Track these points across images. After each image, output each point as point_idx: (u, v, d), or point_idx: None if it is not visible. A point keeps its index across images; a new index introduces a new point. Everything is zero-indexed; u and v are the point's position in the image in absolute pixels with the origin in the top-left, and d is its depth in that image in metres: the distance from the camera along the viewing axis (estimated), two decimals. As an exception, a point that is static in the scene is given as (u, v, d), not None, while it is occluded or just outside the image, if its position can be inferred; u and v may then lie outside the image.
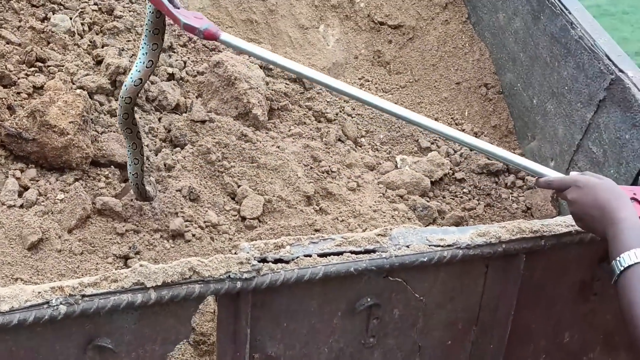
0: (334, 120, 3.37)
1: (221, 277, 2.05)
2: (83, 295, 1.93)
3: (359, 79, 3.61)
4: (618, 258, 1.81)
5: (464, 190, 3.32)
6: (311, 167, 3.15)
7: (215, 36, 2.27)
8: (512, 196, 3.30)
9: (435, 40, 3.77)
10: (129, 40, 3.35)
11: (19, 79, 3.01)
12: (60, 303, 1.92)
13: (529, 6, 3.40)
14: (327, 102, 3.38)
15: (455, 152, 3.41)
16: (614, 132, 2.98)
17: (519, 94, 3.49)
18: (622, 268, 1.80)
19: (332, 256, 2.16)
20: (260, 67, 3.33)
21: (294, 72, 2.34)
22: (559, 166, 3.22)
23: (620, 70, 2.98)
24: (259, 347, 2.20)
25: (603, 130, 3.04)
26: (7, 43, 3.11)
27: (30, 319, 1.89)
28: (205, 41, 3.44)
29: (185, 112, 3.15)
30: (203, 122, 3.11)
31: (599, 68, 3.05)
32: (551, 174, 2.21)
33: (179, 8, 2.35)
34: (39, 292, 1.91)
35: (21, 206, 2.73)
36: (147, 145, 2.98)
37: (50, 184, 2.79)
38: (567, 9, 3.22)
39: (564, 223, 2.37)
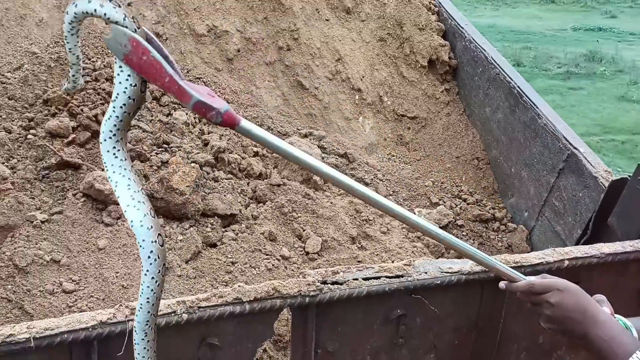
0: (370, 183, 3.38)
1: (295, 294, 2.05)
2: (199, 307, 1.94)
3: (387, 154, 3.63)
4: None
5: (463, 233, 3.30)
6: (354, 217, 3.15)
7: (236, 122, 1.38)
8: (497, 237, 3.28)
9: (441, 127, 3.79)
10: (226, 129, 3.39)
11: (151, 156, 3.06)
12: (183, 312, 1.93)
13: (507, 102, 3.42)
14: (365, 171, 3.40)
15: (457, 205, 3.40)
16: (571, 191, 2.97)
17: (501, 165, 3.50)
18: None
19: (372, 280, 2.16)
20: (318, 146, 3.35)
21: (302, 163, 1.49)
22: (532, 215, 3.20)
23: (575, 147, 2.98)
24: (321, 345, 2.19)
25: (563, 190, 3.02)
26: (143, 131, 3.17)
27: (162, 323, 1.90)
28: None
29: (266, 179, 3.17)
30: (278, 185, 3.14)
31: (558, 146, 3.05)
32: (519, 276, 1.79)
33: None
34: (169, 305, 1.93)
35: (153, 244, 2.76)
36: (239, 202, 3.01)
37: (172, 229, 2.82)
38: (535, 105, 3.23)
39: (537, 256, 2.36)
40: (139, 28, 1.34)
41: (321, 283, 2.09)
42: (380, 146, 3.64)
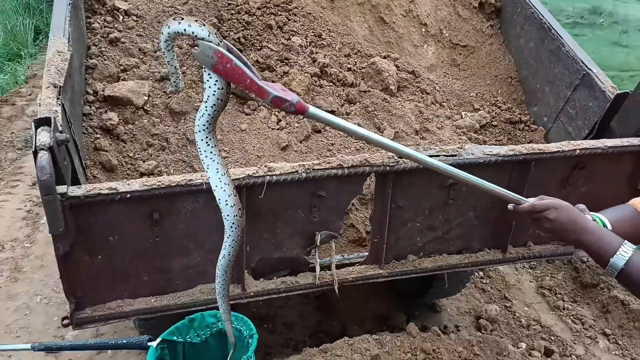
0: (430, 93, 3.27)
1: (379, 164, 2.06)
2: (313, 169, 1.98)
3: (443, 73, 3.47)
4: (615, 258, 1.46)
5: (497, 131, 3.19)
6: (418, 116, 3.09)
7: (305, 109, 1.32)
8: (522, 135, 3.15)
9: (485, 54, 3.58)
10: (328, 52, 3.30)
11: (276, 68, 3.01)
12: (302, 172, 1.97)
13: (538, 35, 3.20)
14: (427, 84, 3.28)
15: (493, 111, 3.27)
16: (583, 102, 2.82)
17: (529, 82, 3.31)
18: (623, 265, 1.44)
19: (434, 157, 2.13)
20: (394, 64, 3.25)
21: (362, 137, 1.43)
22: (550, 120, 3.06)
23: (589, 69, 2.80)
24: (394, 201, 2.20)
25: (576, 101, 2.87)
26: (271, 50, 3.04)
27: (288, 179, 1.95)
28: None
29: (356, 87, 3.12)
30: (365, 91, 3.08)
31: (576, 67, 2.87)
32: (521, 199, 1.70)
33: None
34: (293, 167, 1.96)
35: (278, 129, 2.78)
36: (337, 102, 2.97)
37: (291, 119, 2.83)
38: (560, 36, 3.02)
39: (556, 146, 2.27)
40: (221, 42, 1.26)
41: (398, 157, 2.09)
42: (438, 67, 3.49)
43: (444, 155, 2.14)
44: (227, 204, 1.37)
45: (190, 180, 1.80)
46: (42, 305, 3.74)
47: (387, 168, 2.07)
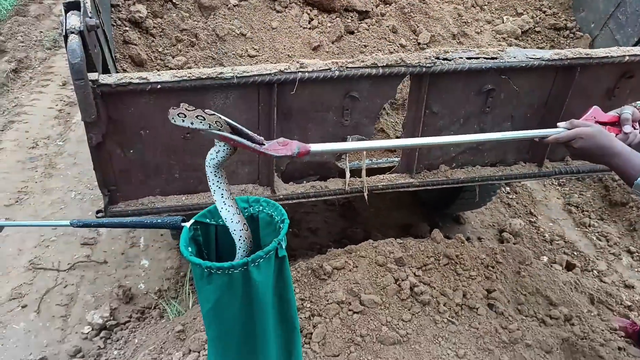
0: (469, -6, 3.09)
1: (415, 64, 1.98)
2: (347, 67, 1.91)
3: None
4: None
5: (539, 37, 3.02)
6: (457, 19, 2.94)
7: (308, 152, 1.50)
8: (566, 42, 2.99)
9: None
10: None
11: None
12: (335, 70, 1.91)
13: None
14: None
15: (537, 16, 3.08)
16: (635, 6, 2.62)
17: (580, -15, 3.07)
18: None
19: (472, 59, 2.04)
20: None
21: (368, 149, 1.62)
22: (597, 26, 2.87)
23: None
24: (428, 107, 2.14)
25: (627, 6, 2.67)
26: None
27: (320, 77, 1.89)
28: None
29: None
30: (402, -7, 2.92)
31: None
32: (552, 132, 1.73)
33: (263, 144, 1.42)
34: (326, 64, 1.90)
35: (310, 28, 2.69)
36: (372, 2, 2.83)
37: (324, 18, 2.73)
38: None
39: (604, 51, 2.14)
40: (222, 127, 1.37)
41: (435, 58, 2.00)
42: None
43: (484, 58, 2.04)
44: (232, 221, 1.50)
45: (221, 73, 1.76)
46: (77, 200, 3.87)
47: (424, 69, 1.99)
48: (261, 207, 1.63)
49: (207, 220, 1.60)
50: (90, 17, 1.60)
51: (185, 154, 1.94)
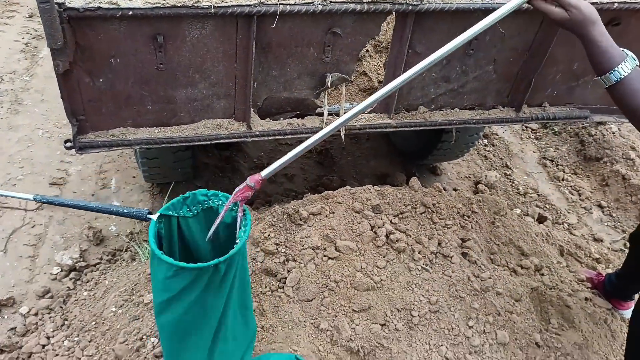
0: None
1: (401, 1, 1.91)
2: (330, 2, 1.84)
3: None
4: (614, 71, 1.47)
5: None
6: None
7: (261, 180, 1.63)
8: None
9: None
10: None
11: None
12: (319, 4, 1.83)
13: None
14: None
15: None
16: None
17: None
18: (620, 77, 1.47)
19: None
20: None
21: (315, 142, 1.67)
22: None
23: None
24: (412, 47, 2.08)
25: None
26: None
27: (303, 10, 1.81)
28: None
29: None
30: None
31: None
32: None
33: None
34: (308, -4, 1.81)
35: None
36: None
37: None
38: None
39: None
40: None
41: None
42: None
43: (473, -2, 1.97)
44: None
45: (198, 2, 1.67)
46: (44, 139, 3.75)
47: (410, 7, 1.92)
48: (220, 202, 1.73)
49: (170, 212, 1.68)
50: None
51: (158, 84, 1.86)
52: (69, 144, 1.89)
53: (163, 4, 1.66)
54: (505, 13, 1.59)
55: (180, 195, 1.72)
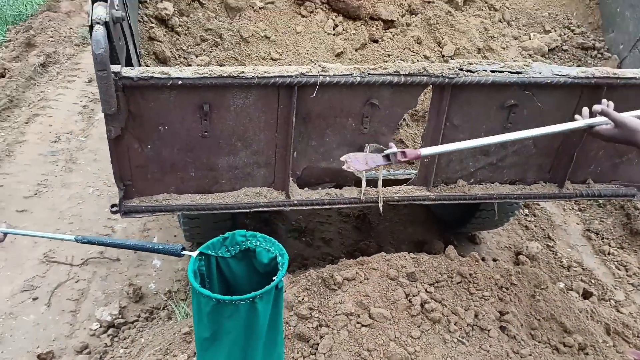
0: (498, 10, 3.06)
1: (438, 74, 1.96)
2: (368, 73, 1.90)
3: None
4: None
5: (566, 56, 2.98)
6: (482, 33, 2.91)
7: (417, 155, 1.57)
8: (593, 63, 2.94)
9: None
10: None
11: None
12: (357, 76, 1.90)
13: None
14: (498, 4, 3.07)
15: (565, 34, 3.05)
16: (667, 30, 2.57)
17: (608, 5, 3.02)
18: None
19: (497, 72, 2.02)
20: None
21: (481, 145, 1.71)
22: (626, 48, 2.83)
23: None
24: (449, 119, 2.12)
25: (659, 29, 2.62)
26: None
27: (342, 81, 1.88)
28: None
29: None
30: (428, 2, 2.90)
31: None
32: (595, 122, 1.74)
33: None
34: (347, 69, 1.89)
35: (334, 34, 2.68)
36: (397, 12, 2.82)
37: (348, 25, 2.73)
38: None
39: (633, 72, 2.10)
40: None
41: (459, 69, 1.98)
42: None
43: (509, 72, 2.01)
44: None
45: (243, 72, 1.76)
46: (94, 196, 3.91)
47: (446, 80, 1.97)
48: (258, 242, 1.72)
49: (210, 251, 1.70)
50: (117, 9, 1.62)
51: (202, 152, 1.94)
52: (115, 208, 1.97)
53: (210, 73, 1.76)
54: (558, 132, 1.77)
55: (220, 235, 1.73)
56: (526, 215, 4.37)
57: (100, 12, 1.52)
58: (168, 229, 3.70)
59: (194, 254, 1.63)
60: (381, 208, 2.34)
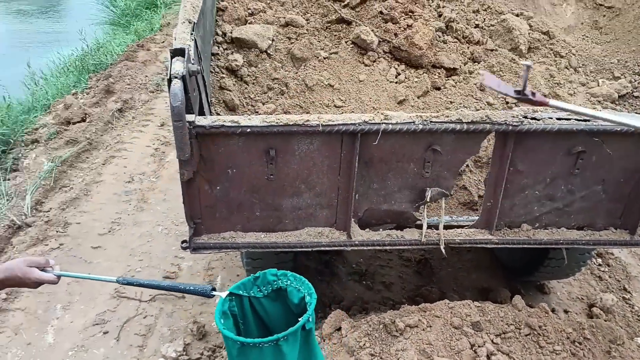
0: (564, 56, 3.03)
1: (501, 122, 1.96)
2: (431, 121, 1.93)
3: (582, 35, 3.21)
4: None
5: (638, 102, 2.90)
6: (548, 80, 2.88)
7: (542, 102, 1.44)
8: (669, 109, 2.85)
9: (633, 17, 3.24)
10: (457, 5, 3.17)
11: (400, 20, 2.95)
12: (419, 123, 1.93)
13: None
14: (562, 46, 3.04)
15: (635, 81, 2.97)
16: None
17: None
18: None
19: (563, 120, 2.00)
20: (527, 23, 3.04)
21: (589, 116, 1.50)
22: None
23: None
24: (513, 164, 2.10)
25: None
26: (395, 2, 3.04)
27: (404, 129, 1.92)
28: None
29: (482, 45, 2.96)
30: (491, 50, 2.93)
31: None
32: None
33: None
34: (409, 117, 1.93)
35: (396, 82, 2.74)
36: (460, 60, 2.85)
37: (411, 73, 2.78)
38: None
39: None
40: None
41: (523, 117, 1.98)
42: (577, 28, 3.22)
43: (575, 119, 1.99)
44: None
45: (308, 120, 1.84)
46: (163, 235, 4.08)
47: (510, 127, 1.97)
48: (289, 281, 1.72)
49: (241, 292, 1.71)
50: (193, 64, 1.74)
51: (267, 193, 2.02)
52: (185, 244, 2.08)
53: (277, 122, 1.85)
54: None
55: (251, 275, 1.75)
56: (599, 265, 4.17)
57: (179, 67, 1.64)
58: (232, 269, 3.79)
59: (224, 294, 1.65)
60: (443, 250, 2.32)
